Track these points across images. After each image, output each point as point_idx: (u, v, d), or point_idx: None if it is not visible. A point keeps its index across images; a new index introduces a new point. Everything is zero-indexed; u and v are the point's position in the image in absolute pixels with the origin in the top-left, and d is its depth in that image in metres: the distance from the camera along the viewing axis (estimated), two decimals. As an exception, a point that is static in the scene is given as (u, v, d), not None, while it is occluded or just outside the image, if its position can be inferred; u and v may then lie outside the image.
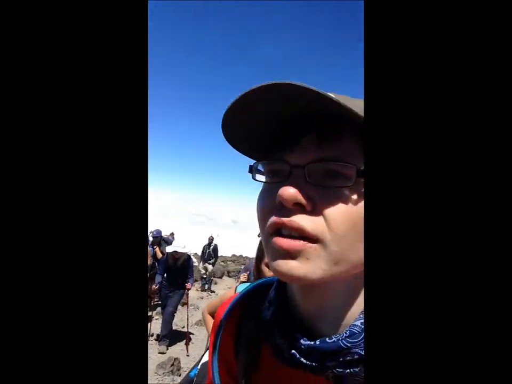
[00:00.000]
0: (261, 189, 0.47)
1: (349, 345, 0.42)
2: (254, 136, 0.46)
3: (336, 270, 0.41)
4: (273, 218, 0.41)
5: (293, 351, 0.45)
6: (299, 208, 0.40)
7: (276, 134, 0.44)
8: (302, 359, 0.44)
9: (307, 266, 0.40)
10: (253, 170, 0.47)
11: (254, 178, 0.47)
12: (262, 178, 0.48)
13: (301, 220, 0.40)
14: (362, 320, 0.43)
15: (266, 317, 0.51)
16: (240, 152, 0.49)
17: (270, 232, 0.42)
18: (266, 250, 0.45)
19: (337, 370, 0.42)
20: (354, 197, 0.40)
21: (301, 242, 0.40)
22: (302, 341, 0.44)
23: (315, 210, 0.40)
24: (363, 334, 0.42)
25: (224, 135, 0.46)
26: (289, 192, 0.39)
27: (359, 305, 0.45)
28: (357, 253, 0.41)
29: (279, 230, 0.41)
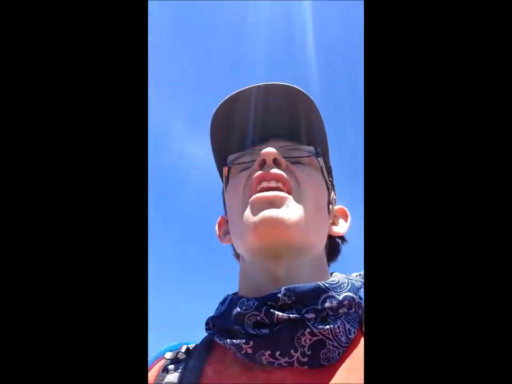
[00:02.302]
0: (230, 180, 0.54)
1: (327, 285, 0.43)
2: (237, 131, 0.55)
3: (309, 228, 0.47)
4: (255, 176, 0.48)
5: (266, 307, 0.40)
6: (276, 167, 0.48)
7: (250, 133, 0.54)
8: (278, 313, 0.39)
9: (288, 211, 0.45)
10: (227, 160, 0.55)
11: (228, 166, 0.55)
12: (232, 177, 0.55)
13: (281, 172, 0.48)
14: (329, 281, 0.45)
15: (219, 314, 0.46)
16: (215, 151, 0.57)
17: (249, 195, 0.48)
18: (242, 218, 0.47)
19: (316, 326, 0.39)
20: (313, 169, 0.52)
21: (282, 193, 0.46)
22: (277, 292, 0.41)
23: (288, 170, 0.49)
24: (338, 282, 0.44)
25: (211, 129, 0.55)
26: (270, 149, 0.48)
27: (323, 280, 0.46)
28: (318, 220, 0.50)
29: (256, 190, 0.47)
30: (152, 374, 0.45)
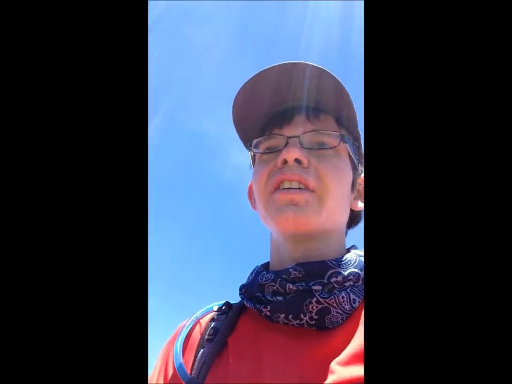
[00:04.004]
0: (255, 166, 0.57)
1: (334, 262, 0.49)
2: (256, 115, 0.56)
3: (328, 218, 0.51)
4: (276, 176, 0.50)
5: (280, 279, 0.48)
6: (298, 165, 0.50)
7: (273, 115, 0.55)
8: (290, 284, 0.46)
9: (307, 209, 0.49)
10: (252, 145, 0.56)
11: (253, 151, 0.57)
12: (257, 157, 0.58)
13: (302, 173, 0.50)
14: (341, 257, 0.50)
15: (248, 283, 0.53)
16: (240, 133, 0.59)
17: (271, 190, 0.51)
18: (267, 209, 0.52)
19: (322, 296, 0.45)
20: (339, 157, 0.53)
21: (302, 190, 0.49)
22: (290, 267, 0.48)
23: (310, 167, 0.51)
24: (346, 260, 0.50)
25: (233, 112, 0.55)
26: (292, 149, 0.49)
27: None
28: (339, 209, 0.53)
29: (279, 186, 0.50)
30: (204, 321, 0.57)
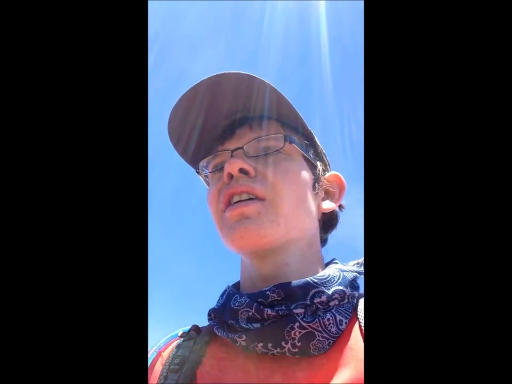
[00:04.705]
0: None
1: (316, 281, 0.43)
2: (197, 135, 0.53)
3: (288, 226, 0.46)
4: (224, 192, 0.48)
5: (256, 304, 0.42)
6: (245, 177, 0.47)
7: (216, 132, 0.53)
8: (268, 310, 0.41)
9: (260, 220, 0.45)
10: (199, 168, 0.55)
11: (201, 174, 0.55)
12: (207, 179, 0.55)
13: (248, 183, 0.47)
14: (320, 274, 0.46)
15: (218, 307, 0.48)
16: (186, 158, 0.57)
17: (223, 208, 0.48)
18: (222, 229, 0.49)
19: (305, 320, 0.40)
20: (290, 159, 0.50)
21: (250, 201, 0.46)
22: (266, 289, 0.43)
23: (258, 175, 0.48)
24: (328, 277, 0.45)
25: (172, 141, 0.53)
26: (233, 161, 0.47)
27: (315, 271, 0.47)
28: (299, 214, 0.48)
29: (230, 202, 0.47)
30: (168, 350, 0.51)
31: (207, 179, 0.56)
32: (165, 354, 0.50)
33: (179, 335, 0.52)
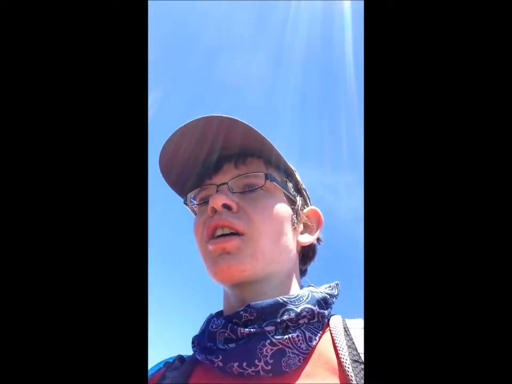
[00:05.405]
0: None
1: (285, 299, 0.46)
2: (187, 170, 0.57)
3: (265, 260, 0.49)
4: (207, 225, 0.51)
5: (231, 324, 0.45)
6: (227, 211, 0.50)
7: (203, 168, 0.57)
8: (241, 328, 0.44)
9: (240, 256, 0.48)
10: (187, 200, 0.58)
11: (188, 205, 0.58)
12: (195, 209, 0.59)
13: (230, 218, 0.50)
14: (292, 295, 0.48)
15: (199, 333, 0.51)
16: (176, 190, 0.60)
17: (206, 240, 0.51)
18: (205, 261, 0.52)
19: (276, 337, 0.43)
20: (271, 196, 0.53)
21: (231, 236, 0.49)
22: (240, 310, 0.46)
23: (240, 211, 0.51)
24: (297, 296, 0.48)
25: (162, 173, 0.57)
26: (218, 196, 0.50)
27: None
28: (277, 248, 0.51)
29: (213, 235, 0.50)
30: (153, 382, 0.52)
31: (195, 209, 0.59)
32: None
33: (163, 366, 0.55)
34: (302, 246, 0.58)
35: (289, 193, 0.57)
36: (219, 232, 0.50)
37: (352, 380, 0.38)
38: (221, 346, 0.44)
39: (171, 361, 0.54)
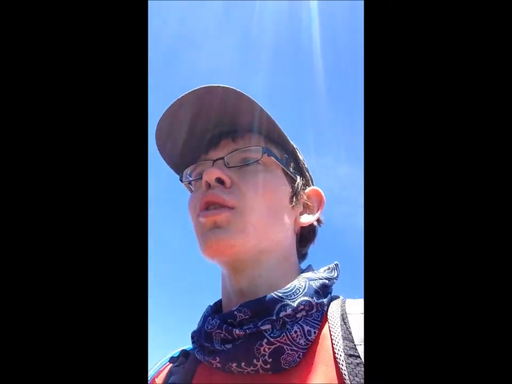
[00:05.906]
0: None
1: (280, 294, 0.44)
2: (183, 144, 0.55)
3: (258, 236, 0.48)
4: (200, 200, 0.49)
5: (226, 325, 0.44)
6: (221, 186, 0.49)
7: (201, 142, 0.55)
8: (236, 329, 0.43)
9: (230, 230, 0.46)
10: (183, 176, 0.57)
11: (184, 181, 0.57)
12: (191, 187, 0.57)
13: (221, 193, 0.48)
14: (290, 285, 0.46)
15: (196, 330, 0.50)
16: (170, 162, 0.59)
17: (198, 213, 0.49)
18: (197, 237, 0.50)
19: (273, 335, 0.41)
20: (267, 171, 0.52)
21: (221, 209, 0.47)
22: (234, 310, 0.45)
23: (233, 185, 0.49)
24: (293, 289, 0.45)
25: (159, 149, 0.56)
26: (211, 170, 0.49)
27: (289, 283, 0.48)
28: (270, 224, 0.49)
29: (207, 210, 0.48)
30: (161, 377, 0.53)
31: (191, 186, 0.58)
32: (159, 381, 0.53)
33: (169, 361, 0.54)
34: (301, 227, 0.56)
35: (289, 170, 0.54)
36: (211, 208, 0.48)
37: (345, 377, 0.37)
38: (218, 347, 0.44)
39: (176, 356, 0.54)
